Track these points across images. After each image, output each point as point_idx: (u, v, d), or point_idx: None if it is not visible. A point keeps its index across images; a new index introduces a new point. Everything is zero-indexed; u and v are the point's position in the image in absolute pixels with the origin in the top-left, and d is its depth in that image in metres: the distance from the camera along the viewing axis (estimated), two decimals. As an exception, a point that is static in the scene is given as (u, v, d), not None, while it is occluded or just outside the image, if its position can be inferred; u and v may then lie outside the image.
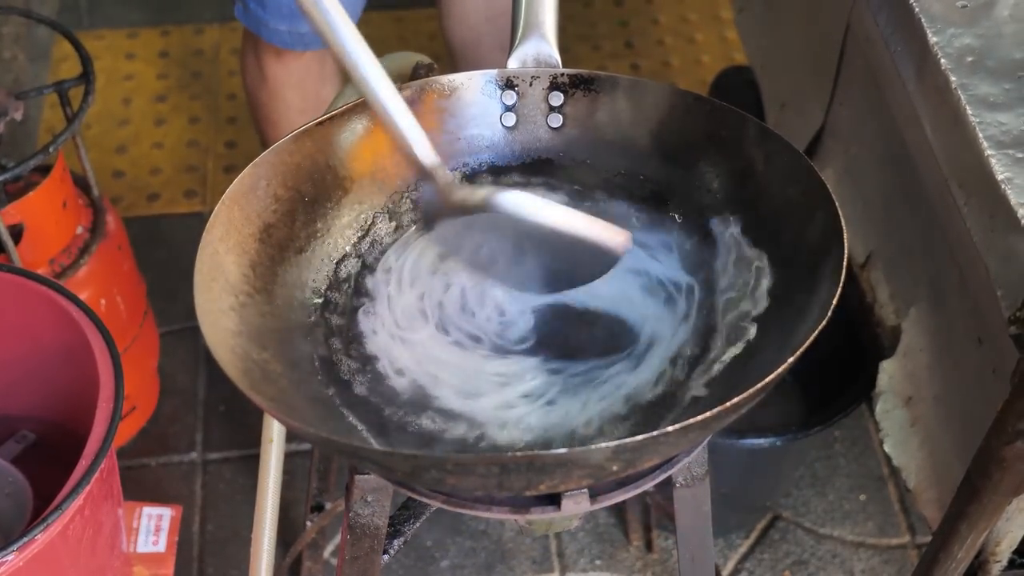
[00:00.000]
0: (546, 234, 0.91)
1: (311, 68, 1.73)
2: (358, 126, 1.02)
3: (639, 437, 0.73)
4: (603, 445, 0.73)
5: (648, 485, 0.91)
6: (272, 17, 1.63)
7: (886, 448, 1.38)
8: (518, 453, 0.73)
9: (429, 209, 0.97)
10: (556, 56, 1.06)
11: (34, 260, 1.63)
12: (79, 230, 1.71)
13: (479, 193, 0.92)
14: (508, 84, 1.07)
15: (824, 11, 1.53)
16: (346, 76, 0.95)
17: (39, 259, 1.64)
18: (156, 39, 2.66)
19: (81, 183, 1.75)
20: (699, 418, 0.75)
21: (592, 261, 0.94)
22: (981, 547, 1.16)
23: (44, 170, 1.62)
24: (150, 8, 2.72)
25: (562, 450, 0.72)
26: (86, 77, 1.61)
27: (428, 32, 2.63)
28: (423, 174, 0.94)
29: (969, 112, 1.04)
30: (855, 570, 1.81)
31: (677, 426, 0.74)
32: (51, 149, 1.54)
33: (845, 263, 0.87)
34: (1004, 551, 1.19)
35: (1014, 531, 1.16)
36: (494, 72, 1.06)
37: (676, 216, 1.04)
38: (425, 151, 0.93)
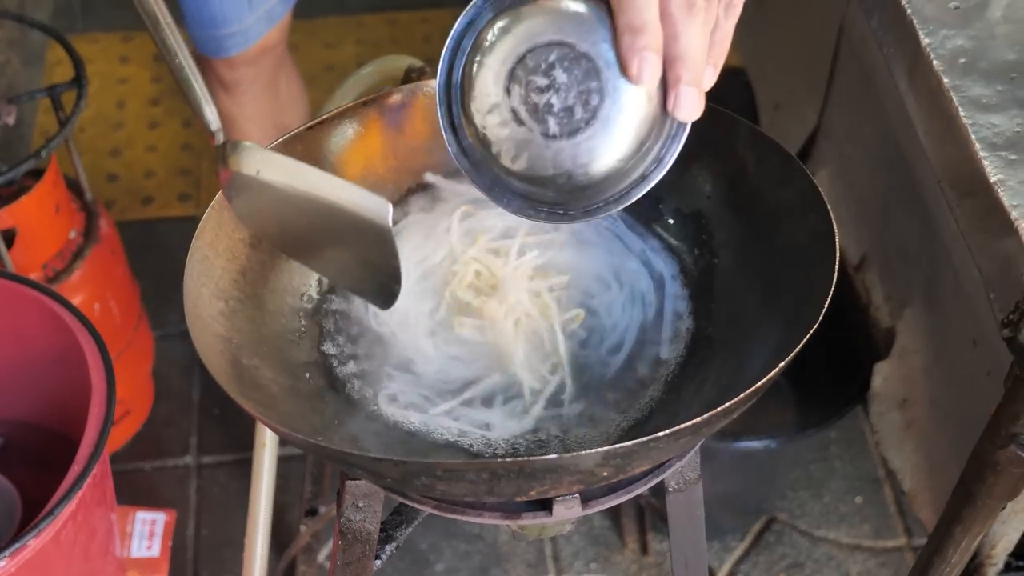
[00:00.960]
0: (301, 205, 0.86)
1: (262, 101, 1.72)
2: (348, 130, 1.02)
3: (629, 443, 0.72)
4: (593, 451, 0.72)
5: (640, 490, 0.91)
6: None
7: (881, 450, 1.38)
8: (508, 459, 0.72)
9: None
10: (548, 58, 1.05)
11: (27, 265, 1.63)
12: (72, 234, 1.70)
13: (231, 157, 0.89)
14: (500, 87, 1.06)
15: (817, 12, 1.53)
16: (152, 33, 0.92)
17: (32, 264, 1.64)
18: (150, 42, 2.62)
19: (74, 187, 1.75)
20: (690, 423, 0.75)
21: (366, 242, 0.88)
22: (977, 550, 1.16)
23: (37, 174, 1.61)
24: (144, 11, 2.71)
25: (552, 456, 0.71)
26: (78, 81, 1.61)
27: (422, 34, 2.63)
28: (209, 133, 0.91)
29: (962, 114, 1.04)
30: (851, 572, 1.81)
31: (668, 431, 0.74)
32: (43, 153, 1.54)
33: (837, 265, 0.87)
34: (1000, 554, 1.19)
35: (1010, 534, 1.16)
36: (485, 75, 1.06)
37: (668, 219, 1.04)
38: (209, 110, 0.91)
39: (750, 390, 0.77)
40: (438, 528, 1.83)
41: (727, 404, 0.76)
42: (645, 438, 0.73)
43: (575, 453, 0.72)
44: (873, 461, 1.93)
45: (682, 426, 0.74)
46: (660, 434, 0.74)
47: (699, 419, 0.75)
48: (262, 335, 0.93)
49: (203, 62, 1.63)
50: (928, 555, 1.12)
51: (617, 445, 0.73)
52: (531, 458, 0.72)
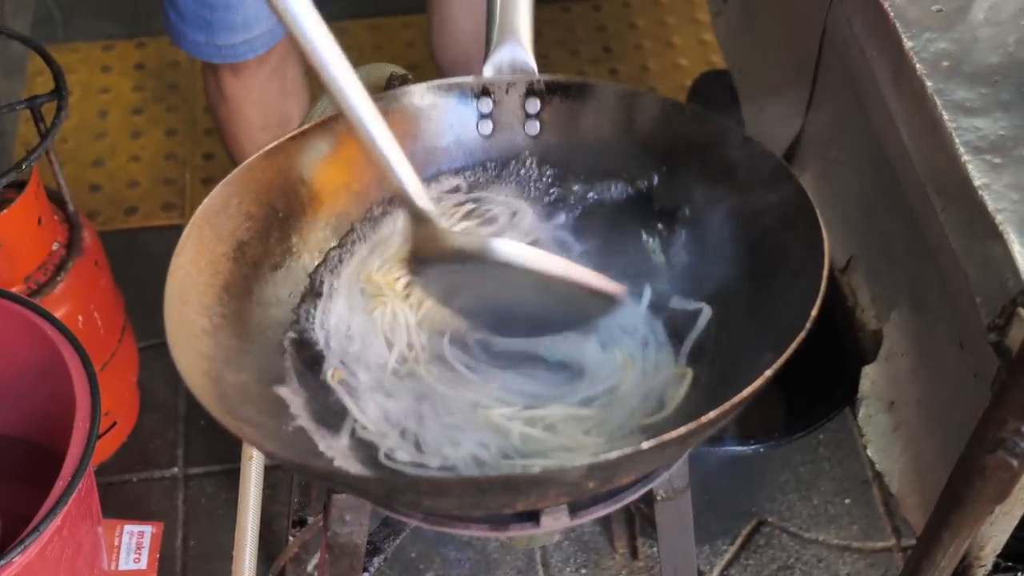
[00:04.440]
0: (539, 282, 0.87)
1: (270, 85, 1.71)
2: (331, 139, 1.01)
3: (614, 455, 0.72)
4: (579, 463, 0.72)
5: (628, 500, 0.90)
6: (220, 32, 1.61)
7: (869, 453, 1.37)
8: (492, 475, 0.72)
9: (418, 254, 0.92)
10: (532, 63, 1.05)
11: (9, 278, 1.62)
12: (55, 246, 1.69)
13: (475, 241, 0.89)
14: (484, 92, 1.06)
15: (800, 15, 1.53)
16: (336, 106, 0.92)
17: (14, 277, 1.63)
18: (131, 51, 2.64)
19: (56, 199, 1.73)
20: (675, 434, 0.74)
21: (585, 307, 0.91)
22: (965, 552, 1.16)
23: (18, 186, 1.60)
24: (125, 20, 2.70)
25: (536, 470, 0.71)
26: (58, 92, 1.60)
27: (404, 40, 2.62)
28: (415, 217, 0.89)
29: (945, 117, 1.04)
30: (840, 574, 1.81)
31: (653, 442, 0.73)
32: (24, 165, 1.53)
33: (826, 272, 0.86)
34: (988, 555, 1.18)
35: (998, 535, 1.16)
36: (469, 80, 1.05)
37: (656, 223, 1.04)
38: (420, 194, 0.88)
39: (736, 399, 0.77)
40: (428, 537, 1.82)
41: (711, 415, 0.75)
42: (630, 449, 0.73)
43: (561, 467, 0.72)
44: (861, 463, 1.93)
45: (666, 437, 0.74)
46: (645, 445, 0.73)
47: (684, 429, 0.74)
48: (247, 350, 0.92)
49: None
50: (917, 560, 1.12)
51: (602, 458, 0.72)
52: (516, 472, 0.71)
